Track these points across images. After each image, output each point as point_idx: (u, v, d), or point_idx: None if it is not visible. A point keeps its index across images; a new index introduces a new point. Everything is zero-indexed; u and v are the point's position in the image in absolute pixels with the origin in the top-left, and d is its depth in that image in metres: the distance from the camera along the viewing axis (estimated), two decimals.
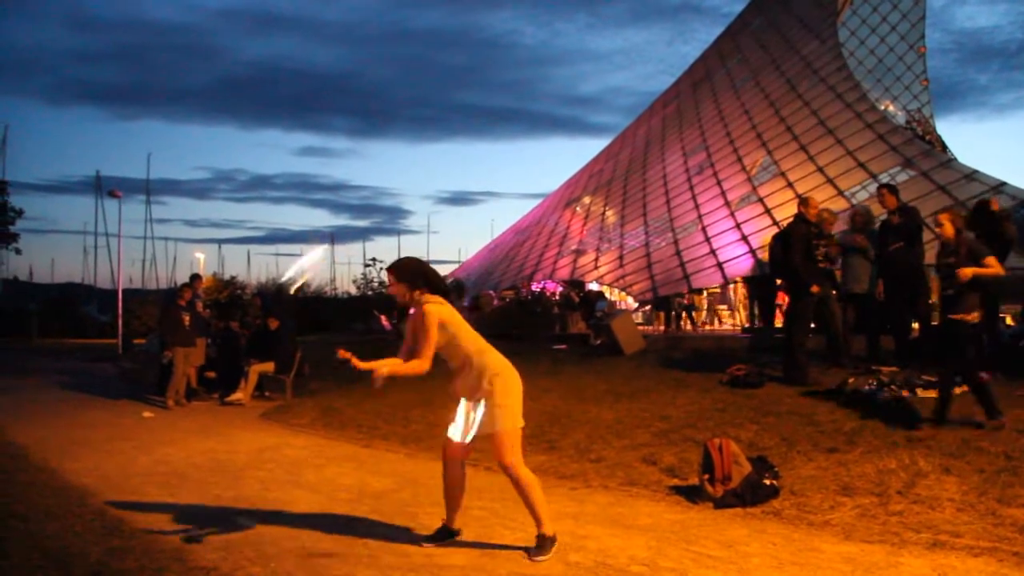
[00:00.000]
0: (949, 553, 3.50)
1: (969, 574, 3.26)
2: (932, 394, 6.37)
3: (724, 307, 20.21)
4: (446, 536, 3.87)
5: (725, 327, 18.66)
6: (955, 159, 19.16)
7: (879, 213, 8.84)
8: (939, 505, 4.06)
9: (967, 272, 5.31)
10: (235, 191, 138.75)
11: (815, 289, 7.36)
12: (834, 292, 7.95)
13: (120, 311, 21.73)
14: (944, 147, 28.96)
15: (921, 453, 4.84)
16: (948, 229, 5.54)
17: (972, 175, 15.65)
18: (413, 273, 3.75)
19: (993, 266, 5.39)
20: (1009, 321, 10.27)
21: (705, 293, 19.36)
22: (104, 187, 46.38)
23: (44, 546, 3.87)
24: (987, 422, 5.32)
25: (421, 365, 3.61)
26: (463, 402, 3.76)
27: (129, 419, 8.87)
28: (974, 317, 5.38)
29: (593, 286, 21.04)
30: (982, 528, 3.74)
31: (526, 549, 3.68)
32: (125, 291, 23.79)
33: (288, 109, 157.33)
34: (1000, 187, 14.62)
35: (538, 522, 3.66)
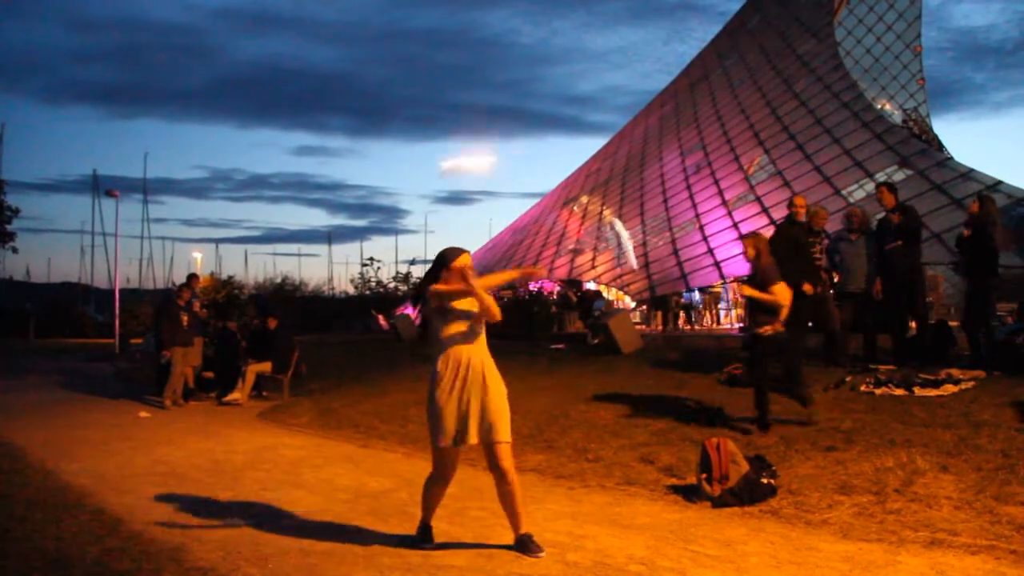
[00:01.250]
0: (947, 551, 3.50)
1: (967, 572, 3.26)
2: (929, 392, 6.39)
3: (723, 305, 20.27)
4: (430, 532, 3.88)
5: (723, 326, 18.69)
6: (951, 158, 19.20)
7: (877, 212, 8.83)
8: (937, 503, 4.07)
9: (745, 291, 5.83)
10: (232, 190, 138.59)
11: (807, 288, 7.37)
12: (832, 292, 7.95)
13: (117, 311, 21.71)
14: (940, 146, 28.98)
15: (919, 451, 4.85)
16: (750, 252, 5.88)
17: (968, 174, 15.67)
18: None
19: (776, 295, 5.72)
20: (1007, 320, 10.28)
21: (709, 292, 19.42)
22: (101, 186, 46.30)
23: (41, 547, 3.87)
24: (754, 429, 5.80)
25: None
26: (465, 389, 3.62)
27: (127, 419, 8.86)
28: (765, 331, 5.78)
29: (591, 285, 21.07)
30: (979, 526, 3.74)
31: (523, 549, 3.67)
32: (122, 291, 23.79)
33: (285, 108, 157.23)
34: (996, 185, 14.63)
35: (522, 522, 3.71)
